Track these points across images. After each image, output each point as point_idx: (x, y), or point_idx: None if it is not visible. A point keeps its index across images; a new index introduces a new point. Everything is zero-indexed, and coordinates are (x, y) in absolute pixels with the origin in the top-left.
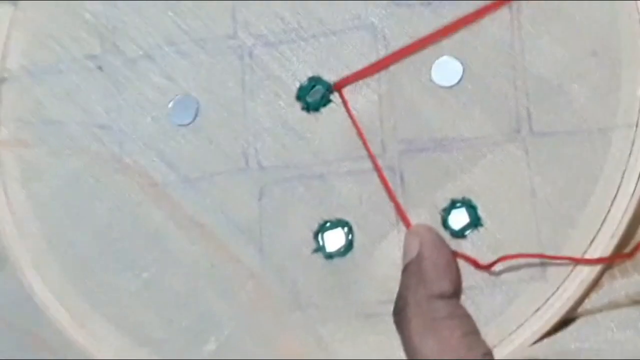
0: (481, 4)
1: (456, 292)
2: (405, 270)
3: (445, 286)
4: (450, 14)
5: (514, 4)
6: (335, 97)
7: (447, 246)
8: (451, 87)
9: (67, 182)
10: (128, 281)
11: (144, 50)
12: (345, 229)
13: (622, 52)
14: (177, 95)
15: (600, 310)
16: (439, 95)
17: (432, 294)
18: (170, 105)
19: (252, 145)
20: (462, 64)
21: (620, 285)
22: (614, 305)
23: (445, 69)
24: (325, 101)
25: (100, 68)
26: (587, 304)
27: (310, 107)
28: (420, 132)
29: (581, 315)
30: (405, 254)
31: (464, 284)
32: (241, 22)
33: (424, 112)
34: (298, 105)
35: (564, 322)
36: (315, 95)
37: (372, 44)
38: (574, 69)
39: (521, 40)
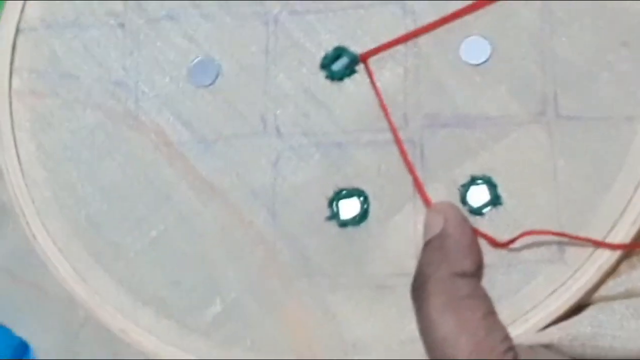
0: None
1: (478, 271)
2: (428, 246)
3: (468, 265)
4: None
5: None
6: (360, 68)
7: (470, 225)
8: (478, 65)
9: (79, 135)
10: (135, 239)
11: (167, 10)
12: (361, 198)
13: None
14: (198, 57)
15: (615, 298)
16: (465, 72)
17: (455, 272)
18: (191, 65)
19: (272, 110)
20: (490, 43)
21: (639, 275)
22: (631, 294)
23: (474, 47)
24: (350, 71)
25: (121, 25)
26: (603, 290)
27: (334, 76)
28: (444, 107)
29: (596, 301)
30: (427, 229)
31: None
32: None
33: (450, 88)
34: (322, 74)
35: (578, 308)
36: (340, 64)
37: (400, 19)
38: (603, 57)
39: (551, 25)
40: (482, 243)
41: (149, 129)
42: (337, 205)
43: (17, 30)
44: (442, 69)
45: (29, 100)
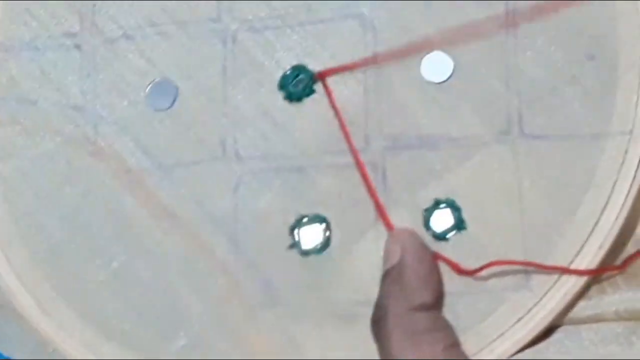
0: None
1: (438, 301)
2: (386, 276)
3: (427, 296)
4: (442, 8)
5: (510, 1)
6: (319, 87)
7: (429, 252)
8: (441, 83)
9: (39, 163)
10: (97, 270)
11: (123, 30)
12: (323, 225)
13: (619, 57)
14: (155, 79)
15: (585, 322)
16: (427, 91)
17: (413, 306)
18: (147, 89)
19: (231, 134)
20: (453, 59)
21: (609, 300)
22: (600, 319)
23: (436, 64)
24: (308, 91)
25: (78, 47)
26: (574, 312)
27: (293, 97)
28: (406, 128)
29: (566, 323)
30: (386, 259)
31: (445, 289)
32: (226, 5)
33: (412, 108)
34: (280, 95)
35: (548, 330)
36: (298, 84)
37: (360, 35)
38: (569, 72)
39: (515, 39)
40: (447, 270)
41: (108, 155)
42: (298, 233)
43: None
44: (404, 88)
45: None
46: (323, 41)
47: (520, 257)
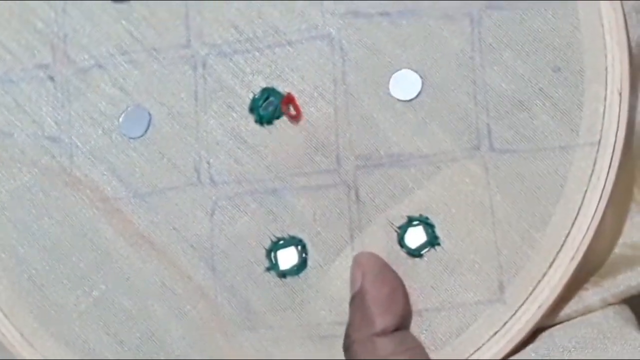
0: (441, 16)
1: (403, 322)
2: (351, 303)
3: (389, 321)
4: (409, 25)
5: (475, 16)
6: (289, 108)
7: (391, 274)
8: (410, 100)
9: (16, 195)
10: (78, 299)
11: (95, 59)
12: (299, 247)
13: (585, 68)
14: (128, 107)
15: (573, 316)
16: (397, 109)
17: (375, 332)
18: (121, 118)
19: (205, 159)
20: (421, 76)
21: (594, 292)
22: (588, 310)
23: (404, 82)
24: (278, 114)
25: (51, 78)
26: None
27: (263, 120)
28: (377, 147)
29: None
30: (351, 285)
31: (420, 306)
32: (195, 31)
33: (382, 126)
34: (251, 118)
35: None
36: (268, 107)
37: (329, 55)
38: (535, 85)
39: (482, 53)
40: (423, 285)
41: (84, 185)
42: (275, 255)
43: None
44: (373, 107)
45: None
46: (292, 63)
47: (495, 271)
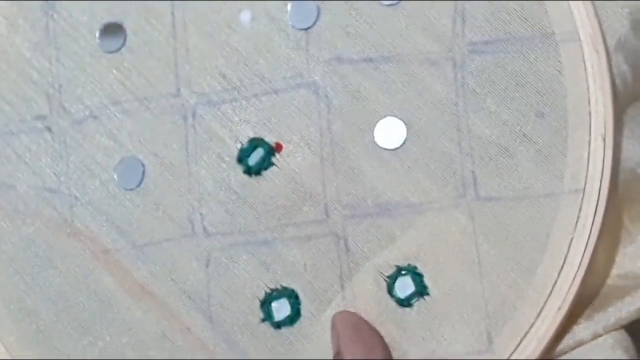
0: (424, 61)
1: None
2: None
3: None
4: (392, 71)
5: (458, 60)
6: (276, 158)
7: (366, 332)
8: (395, 149)
9: (21, 247)
10: (85, 349)
11: (89, 110)
12: (292, 298)
13: (569, 113)
14: (122, 157)
15: (565, 351)
16: (383, 158)
17: None
18: (116, 169)
19: (197, 210)
20: (405, 124)
21: (585, 326)
22: (580, 344)
23: (389, 130)
24: (266, 164)
25: (49, 129)
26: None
27: (252, 171)
28: (365, 196)
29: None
30: (332, 346)
31: (411, 356)
32: (184, 80)
33: (368, 175)
34: (240, 168)
35: None
36: (256, 158)
37: (314, 103)
38: (519, 130)
39: (465, 99)
40: (412, 336)
41: (85, 236)
42: (269, 307)
43: None
44: (359, 156)
45: None
46: (278, 112)
47: (483, 321)
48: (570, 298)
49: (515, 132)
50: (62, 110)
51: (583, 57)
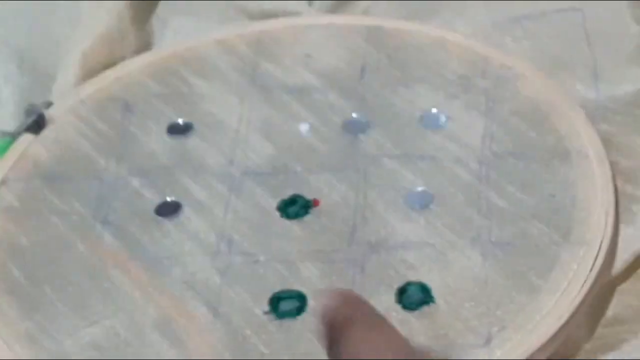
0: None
1: None
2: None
3: None
4: (427, 163)
5: (484, 160)
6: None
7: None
8: (421, 209)
9: None
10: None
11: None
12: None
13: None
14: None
15: None
16: (410, 216)
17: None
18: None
19: (227, 237)
20: (432, 193)
21: None
22: None
23: (417, 196)
24: (303, 212)
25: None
26: None
27: (290, 215)
28: (387, 236)
29: None
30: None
31: None
32: (238, 157)
33: (394, 225)
34: (277, 213)
35: None
36: (295, 208)
37: (353, 176)
38: (533, 206)
39: (488, 183)
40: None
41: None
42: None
43: None
44: (389, 213)
45: None
46: (319, 179)
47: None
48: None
49: (528, 206)
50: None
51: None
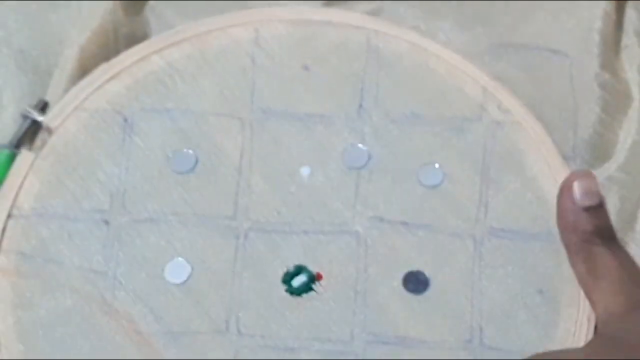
0: (450, 233)
1: None
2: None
3: None
4: (423, 236)
5: (478, 238)
6: (316, 285)
7: None
8: (417, 296)
9: (55, 315)
10: None
11: (149, 213)
12: None
13: (564, 294)
14: (173, 257)
15: None
16: (407, 300)
17: None
18: (166, 266)
19: (235, 313)
20: (429, 278)
21: None
22: None
23: (414, 280)
24: (308, 288)
25: (106, 222)
26: None
27: (294, 292)
28: (387, 329)
29: None
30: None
31: None
32: (242, 207)
33: (392, 312)
34: (282, 287)
35: None
36: (299, 281)
37: (354, 248)
38: (521, 300)
39: (480, 268)
40: None
41: (121, 316)
42: None
43: (9, 215)
44: (388, 297)
45: (12, 278)
46: (323, 249)
47: None
48: None
49: (518, 300)
50: (122, 210)
51: None
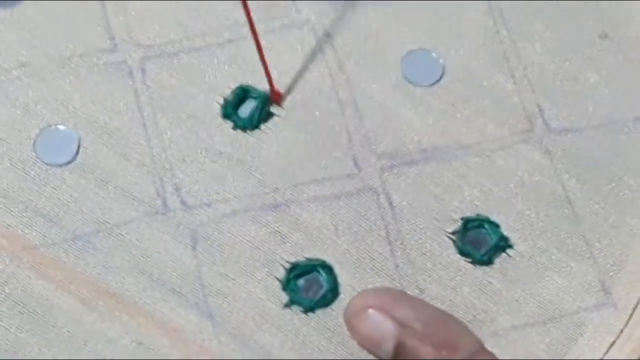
0: None
1: None
2: None
3: None
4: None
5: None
6: (277, 109)
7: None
8: (430, 85)
9: None
10: None
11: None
12: (323, 271)
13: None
14: (41, 128)
15: None
16: (416, 95)
17: None
18: (35, 142)
19: (169, 181)
20: (439, 56)
21: None
22: None
23: (420, 63)
24: (264, 115)
25: None
26: None
27: (245, 125)
28: (404, 142)
29: None
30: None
31: (504, 325)
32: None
33: (402, 117)
34: (227, 125)
35: None
36: (248, 109)
37: (311, 38)
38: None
39: (507, 27)
40: (506, 299)
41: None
42: (294, 285)
43: None
44: (386, 95)
45: None
46: (267, 53)
47: (592, 270)
48: None
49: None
50: None
51: None
